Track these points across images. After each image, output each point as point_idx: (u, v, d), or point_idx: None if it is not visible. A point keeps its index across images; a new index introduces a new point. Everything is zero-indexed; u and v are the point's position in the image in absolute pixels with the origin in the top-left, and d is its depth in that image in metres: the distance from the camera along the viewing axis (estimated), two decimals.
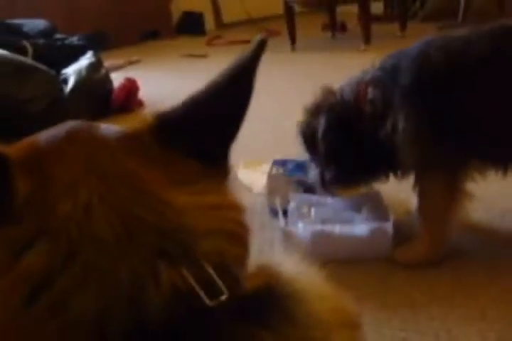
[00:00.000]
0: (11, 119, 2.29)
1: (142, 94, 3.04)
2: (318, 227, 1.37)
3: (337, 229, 1.36)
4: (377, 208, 1.45)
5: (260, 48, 0.56)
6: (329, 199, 1.53)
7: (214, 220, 0.51)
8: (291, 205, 1.49)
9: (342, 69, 3.53)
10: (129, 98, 2.89)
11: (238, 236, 0.52)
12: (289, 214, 1.48)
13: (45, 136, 0.54)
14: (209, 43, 4.86)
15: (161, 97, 3.06)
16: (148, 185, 0.50)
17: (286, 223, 1.45)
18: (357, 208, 1.47)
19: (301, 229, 1.37)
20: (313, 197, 1.55)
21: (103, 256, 0.46)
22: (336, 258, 1.35)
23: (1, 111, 2.28)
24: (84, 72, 2.79)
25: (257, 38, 0.57)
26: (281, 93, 3.12)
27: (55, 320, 0.45)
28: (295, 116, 2.57)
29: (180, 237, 0.48)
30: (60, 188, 0.48)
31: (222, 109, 0.56)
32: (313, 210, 1.45)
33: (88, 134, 0.54)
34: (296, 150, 1.63)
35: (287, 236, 1.41)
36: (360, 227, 1.37)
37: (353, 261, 1.38)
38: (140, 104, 2.99)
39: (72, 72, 2.79)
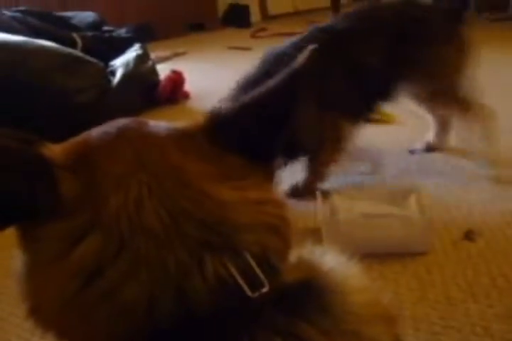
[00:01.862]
0: (60, 111, 2.36)
1: (188, 85, 3.08)
2: (359, 221, 1.40)
3: (376, 223, 1.38)
4: (416, 204, 1.46)
5: (310, 58, 0.59)
6: (370, 193, 1.55)
7: (256, 214, 0.53)
8: (334, 198, 1.51)
9: None
10: (175, 90, 2.93)
11: (279, 230, 0.55)
12: (331, 207, 1.51)
13: (95, 133, 0.57)
14: (254, 35, 4.87)
15: (206, 89, 3.12)
16: (196, 180, 0.52)
17: (329, 216, 1.48)
18: (397, 203, 1.48)
19: (342, 222, 1.40)
20: (355, 191, 1.57)
21: (152, 246, 0.49)
22: (375, 253, 1.37)
23: (50, 103, 2.34)
24: (131, 64, 2.84)
25: (309, 47, 0.61)
26: None
27: (106, 306, 0.49)
28: None
29: (222, 230, 0.51)
30: (112, 183, 0.51)
31: (272, 111, 0.58)
32: (354, 204, 1.47)
33: (138, 131, 0.57)
34: None
35: (329, 229, 1.43)
36: (399, 222, 1.38)
37: (391, 256, 1.39)
38: (186, 95, 3.03)
39: (119, 64, 2.84)
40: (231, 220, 0.51)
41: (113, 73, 2.78)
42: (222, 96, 1.61)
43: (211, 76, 3.57)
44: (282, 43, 1.76)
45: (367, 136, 1.96)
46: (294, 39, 1.76)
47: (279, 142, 0.59)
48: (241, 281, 0.49)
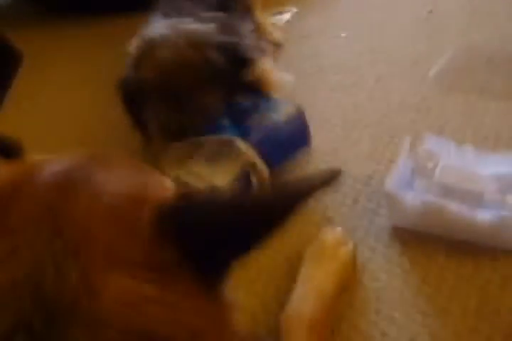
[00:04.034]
0: None
1: None
2: (430, 198, 1.08)
3: (453, 206, 1.06)
4: None
5: (329, 182, 0.50)
6: (471, 152, 1.21)
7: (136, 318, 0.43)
8: (420, 151, 1.19)
9: None
10: None
11: None
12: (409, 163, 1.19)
13: (41, 166, 0.50)
14: None
15: None
16: (92, 261, 0.43)
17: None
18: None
19: (411, 196, 1.10)
20: (452, 145, 1.23)
21: None
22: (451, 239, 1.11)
23: None
24: None
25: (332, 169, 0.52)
26: None
27: None
28: None
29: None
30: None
31: (246, 225, 0.48)
32: (439, 167, 1.14)
33: (83, 185, 0.48)
34: None
35: (392, 199, 1.14)
36: (484, 213, 1.04)
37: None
38: None
39: None
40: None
41: None
42: None
43: None
44: None
45: None
46: None
47: (233, 259, 0.50)
48: None
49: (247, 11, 1.74)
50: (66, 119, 1.78)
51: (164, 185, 0.53)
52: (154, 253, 0.46)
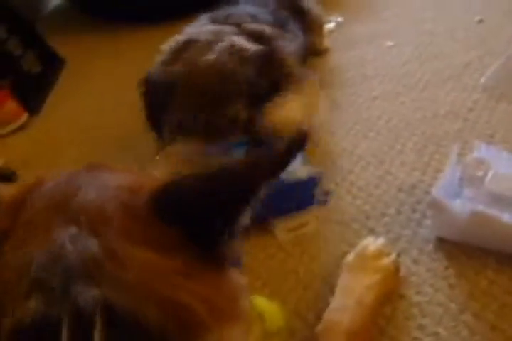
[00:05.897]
0: None
1: None
2: (479, 208, 1.02)
3: (505, 216, 1.00)
4: None
5: (296, 148, 0.53)
6: None
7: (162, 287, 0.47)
8: (469, 159, 1.14)
9: None
10: None
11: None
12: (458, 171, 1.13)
13: (50, 180, 0.57)
14: None
15: None
16: (112, 237, 0.48)
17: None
18: None
19: (458, 205, 1.04)
20: (504, 153, 1.16)
21: None
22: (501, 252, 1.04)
23: None
24: None
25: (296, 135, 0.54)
26: None
27: None
28: None
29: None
30: (28, 230, 0.51)
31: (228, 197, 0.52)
32: (490, 175, 1.08)
33: (89, 178, 0.56)
34: None
35: (438, 208, 1.09)
36: None
37: None
38: None
39: None
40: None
41: None
42: None
43: None
44: None
45: None
46: None
47: (225, 229, 0.53)
48: None
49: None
50: (103, 123, 1.78)
51: (155, 177, 0.61)
52: (159, 231, 0.50)
